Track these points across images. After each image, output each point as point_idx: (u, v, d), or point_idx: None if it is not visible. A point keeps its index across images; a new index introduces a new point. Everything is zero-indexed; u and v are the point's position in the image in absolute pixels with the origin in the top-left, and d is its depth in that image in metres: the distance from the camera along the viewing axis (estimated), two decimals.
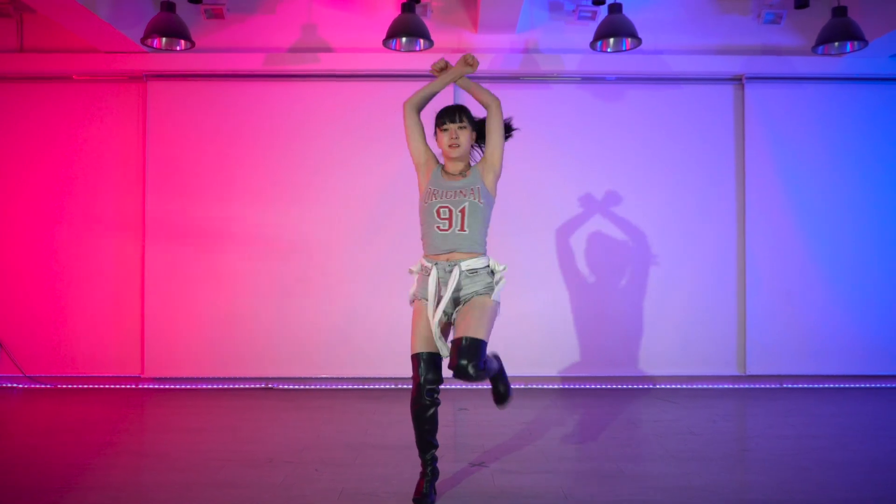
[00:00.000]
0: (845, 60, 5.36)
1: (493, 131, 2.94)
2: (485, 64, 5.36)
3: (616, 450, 3.64)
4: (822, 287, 5.45)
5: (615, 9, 4.77)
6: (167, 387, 5.38)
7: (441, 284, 2.86)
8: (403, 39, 4.87)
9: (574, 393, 5.26)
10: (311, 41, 5.41)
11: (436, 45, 5.04)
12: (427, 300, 2.87)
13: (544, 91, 5.50)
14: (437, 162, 3.01)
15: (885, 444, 3.80)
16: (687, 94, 5.52)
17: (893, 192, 5.51)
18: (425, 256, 2.93)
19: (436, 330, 2.83)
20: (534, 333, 5.33)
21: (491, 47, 5.42)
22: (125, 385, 5.42)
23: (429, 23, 5.13)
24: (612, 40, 4.87)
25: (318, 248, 5.42)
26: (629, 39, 4.82)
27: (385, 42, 4.87)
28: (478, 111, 3.03)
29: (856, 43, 4.79)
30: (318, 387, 5.41)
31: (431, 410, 2.81)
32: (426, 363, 2.80)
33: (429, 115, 3.04)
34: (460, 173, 2.94)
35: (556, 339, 5.41)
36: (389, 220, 5.38)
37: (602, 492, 2.98)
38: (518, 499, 2.90)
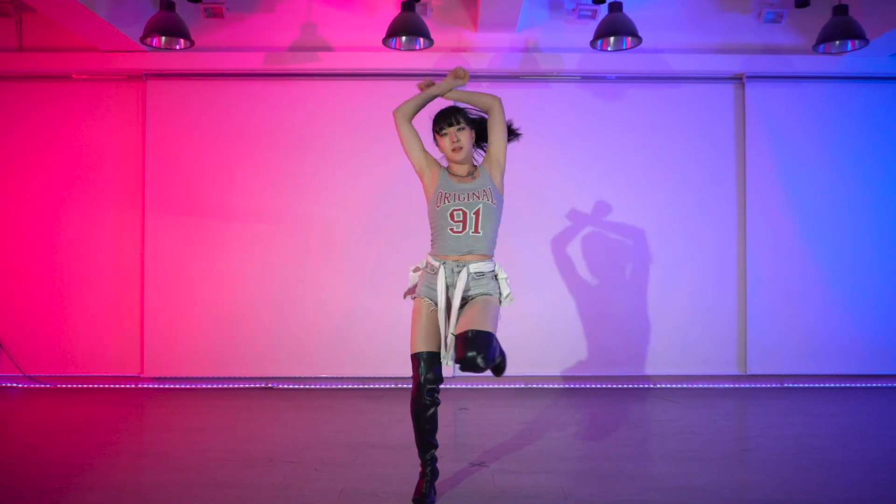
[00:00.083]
0: (846, 59, 5.35)
1: (497, 130, 2.94)
2: (484, 63, 5.36)
3: (616, 449, 3.64)
4: (823, 287, 5.45)
5: (615, 7, 4.76)
6: (167, 386, 5.38)
7: (448, 284, 2.84)
8: (403, 38, 4.86)
9: (574, 393, 5.25)
10: (311, 40, 5.40)
11: (436, 44, 5.03)
12: (430, 299, 2.86)
13: (544, 90, 5.49)
14: (440, 165, 2.99)
15: (885, 443, 3.79)
16: (687, 93, 5.51)
17: (894, 191, 5.50)
18: (433, 255, 2.90)
19: (444, 330, 2.81)
20: (534, 333, 5.33)
21: (491, 46, 5.41)
22: (125, 385, 5.42)
23: (429, 22, 5.12)
24: (612, 39, 4.86)
25: (318, 248, 5.41)
26: (629, 38, 4.81)
27: (385, 41, 4.86)
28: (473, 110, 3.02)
29: (857, 42, 4.78)
30: (317, 386, 5.40)
31: (431, 410, 2.80)
32: (426, 362, 2.79)
33: (423, 120, 3.01)
34: (469, 175, 2.93)
35: (556, 338, 5.40)
36: (389, 220, 5.38)
37: (602, 492, 2.98)
38: (518, 499, 2.90)
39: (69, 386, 5.41)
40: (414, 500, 2.81)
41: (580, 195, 5.47)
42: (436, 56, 5.30)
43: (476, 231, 2.84)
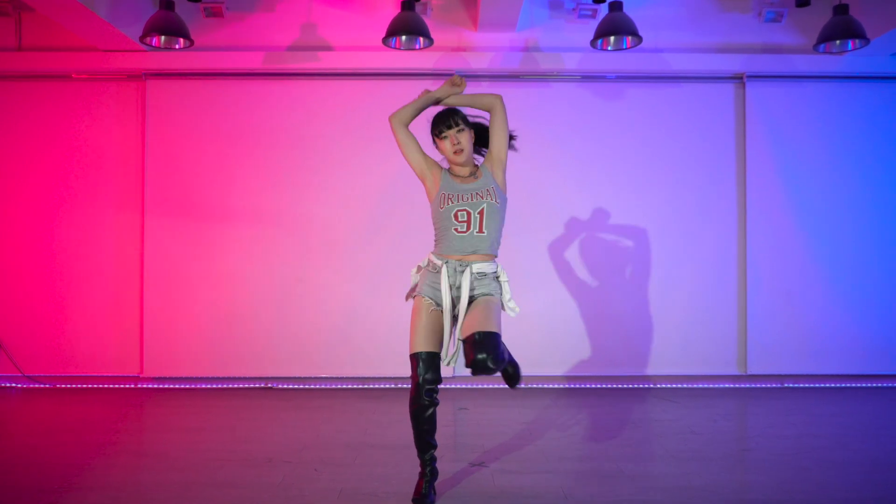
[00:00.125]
0: (846, 59, 5.35)
1: (499, 128, 2.94)
2: (484, 62, 5.36)
3: (616, 449, 3.63)
4: (823, 286, 5.44)
5: (616, 7, 4.76)
6: (166, 386, 5.37)
7: (451, 283, 2.83)
8: (403, 38, 4.86)
9: (574, 392, 5.25)
10: (311, 40, 5.39)
11: (436, 44, 5.03)
12: (431, 298, 2.85)
13: (544, 90, 5.49)
14: (441, 167, 2.98)
15: (885, 443, 3.79)
16: (687, 92, 5.50)
17: (894, 191, 5.50)
18: (436, 254, 2.89)
19: (448, 330, 2.80)
20: (534, 333, 5.32)
21: (491, 45, 5.40)
22: (124, 385, 5.41)
23: (428, 21, 5.12)
24: (612, 38, 4.85)
25: (317, 248, 5.41)
26: (630, 37, 4.80)
27: (385, 40, 4.86)
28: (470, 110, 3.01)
29: (857, 41, 4.77)
30: (317, 386, 5.40)
31: (430, 410, 2.79)
32: (425, 363, 2.78)
33: (420, 124, 3.00)
34: (471, 175, 2.92)
35: (556, 338, 5.40)
36: (389, 220, 5.37)
37: (602, 492, 2.97)
38: (518, 499, 2.89)
39: (68, 386, 5.41)
40: (413, 500, 2.80)
41: (580, 195, 5.47)
42: (436, 55, 5.30)
43: (480, 231, 2.83)
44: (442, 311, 2.85)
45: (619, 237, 5.46)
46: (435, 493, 2.88)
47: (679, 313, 5.43)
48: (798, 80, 5.46)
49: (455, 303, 2.84)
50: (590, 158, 5.49)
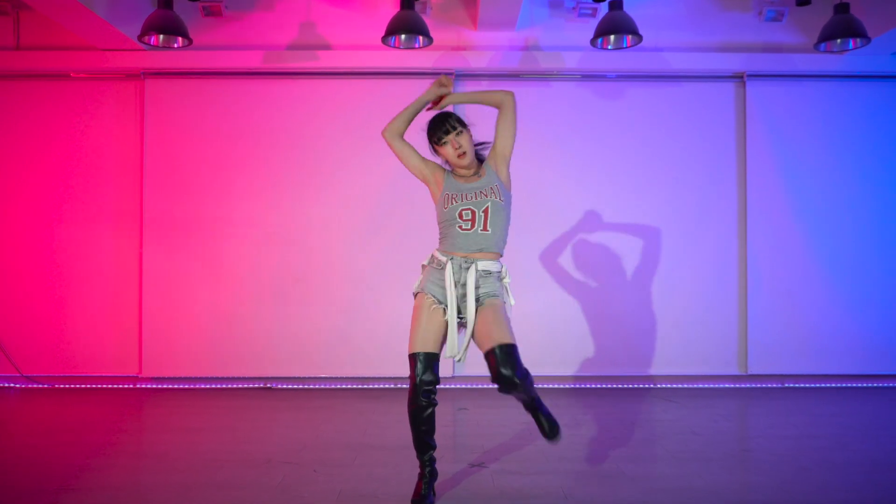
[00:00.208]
0: (847, 58, 5.33)
1: (508, 125, 2.91)
2: (484, 61, 5.34)
3: (617, 450, 3.62)
4: (824, 286, 5.43)
5: (616, 5, 4.74)
6: (165, 387, 5.36)
7: (456, 281, 2.78)
8: (402, 37, 4.84)
9: (575, 392, 5.24)
10: (310, 38, 5.38)
11: (435, 43, 5.01)
12: (434, 296, 2.81)
13: (544, 89, 5.48)
14: (443, 168, 2.96)
15: (885, 444, 3.78)
16: (688, 91, 5.49)
17: (895, 191, 5.49)
18: (441, 251, 2.86)
19: (453, 326, 2.75)
20: (533, 333, 5.31)
21: (490, 44, 5.39)
22: (123, 385, 5.40)
23: (428, 20, 5.10)
24: (612, 37, 4.84)
25: (317, 248, 5.39)
26: (630, 36, 4.79)
27: (384, 39, 4.84)
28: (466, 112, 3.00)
29: (858, 40, 4.76)
30: (317, 387, 5.39)
31: (428, 411, 2.78)
32: (423, 363, 2.76)
33: (415, 130, 2.99)
34: (475, 174, 2.90)
35: (556, 339, 5.39)
36: (389, 220, 5.36)
37: (602, 493, 2.96)
38: (518, 500, 2.88)
39: (67, 386, 5.39)
40: (413, 501, 2.79)
41: (580, 194, 5.45)
42: (435, 54, 5.28)
43: (485, 229, 2.80)
44: (445, 309, 2.81)
45: (620, 237, 5.45)
46: (434, 494, 2.87)
47: (679, 313, 5.42)
48: (798, 79, 5.45)
49: (460, 302, 2.79)
50: (590, 158, 5.47)
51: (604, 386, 5.42)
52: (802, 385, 5.45)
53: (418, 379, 2.75)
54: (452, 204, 2.83)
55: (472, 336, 2.80)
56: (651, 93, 5.49)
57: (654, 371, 5.43)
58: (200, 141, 5.40)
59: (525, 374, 2.67)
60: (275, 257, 5.38)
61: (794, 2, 5.17)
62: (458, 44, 5.37)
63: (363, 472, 3.24)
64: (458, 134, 2.86)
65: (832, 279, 5.44)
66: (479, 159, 2.97)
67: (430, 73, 5.34)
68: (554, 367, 5.39)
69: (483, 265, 2.80)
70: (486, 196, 2.82)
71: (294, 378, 5.38)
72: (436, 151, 2.93)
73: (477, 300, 2.79)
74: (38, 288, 5.41)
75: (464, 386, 5.33)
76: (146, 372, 5.34)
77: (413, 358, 2.79)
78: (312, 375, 5.38)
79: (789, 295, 5.43)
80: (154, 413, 4.69)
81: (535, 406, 2.81)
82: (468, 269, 2.79)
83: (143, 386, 5.38)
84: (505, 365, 2.62)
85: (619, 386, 5.41)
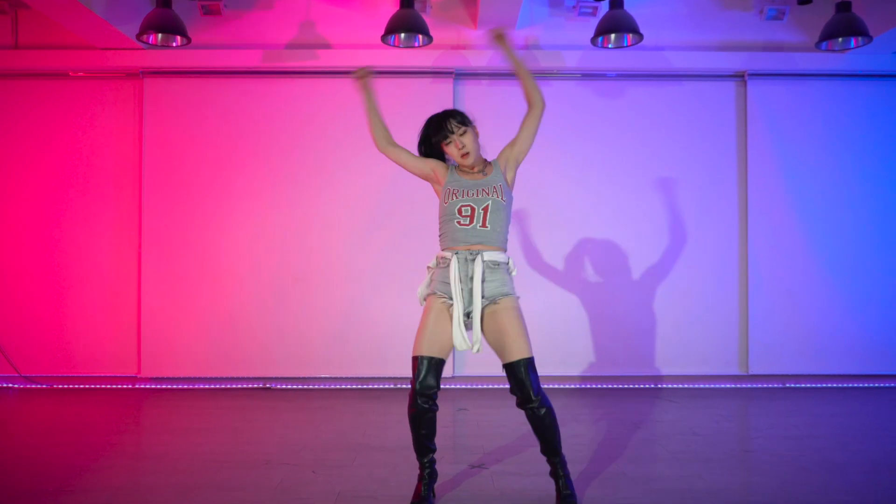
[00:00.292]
0: (848, 57, 5.32)
1: (534, 128, 2.91)
2: (484, 60, 5.32)
3: (618, 451, 3.61)
4: (825, 286, 5.42)
5: (616, 4, 4.73)
6: (164, 387, 5.34)
7: (463, 276, 2.73)
8: (402, 35, 4.83)
9: (575, 393, 5.22)
10: (310, 37, 5.36)
11: (435, 42, 5.00)
12: (443, 294, 2.75)
13: (544, 88, 5.28)
14: (446, 166, 2.93)
15: (886, 444, 3.77)
16: (688, 90, 5.47)
17: None
18: (444, 248, 2.82)
19: (459, 325, 2.71)
20: (533, 334, 5.16)
21: (490, 43, 5.36)
22: (122, 385, 5.39)
23: (428, 19, 5.08)
24: (613, 36, 4.82)
25: (317, 248, 5.38)
26: (630, 35, 4.77)
27: (383, 38, 4.83)
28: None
29: (859, 39, 4.75)
30: (316, 387, 5.37)
31: (428, 416, 2.73)
32: (427, 368, 2.71)
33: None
34: (480, 171, 2.88)
35: (556, 339, 5.37)
36: (389, 219, 5.34)
37: (604, 494, 2.94)
38: (519, 501, 2.87)
39: (66, 386, 5.38)
40: (413, 502, 2.77)
41: (580, 194, 5.44)
42: (435, 53, 5.27)
43: (483, 225, 2.76)
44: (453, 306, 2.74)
45: (620, 236, 5.44)
46: (434, 496, 2.85)
47: (680, 313, 5.40)
48: (800, 78, 5.43)
49: (467, 298, 2.73)
50: (590, 157, 5.46)
51: (604, 386, 5.41)
52: (803, 385, 5.44)
53: (419, 383, 2.70)
54: (453, 199, 2.80)
55: (484, 334, 2.76)
56: (652, 92, 5.47)
57: (654, 371, 5.41)
58: (199, 140, 5.38)
59: (540, 390, 2.70)
60: (274, 257, 5.37)
61: (795, 0, 5.15)
62: (457, 43, 5.35)
63: (362, 473, 3.23)
64: (462, 134, 2.83)
65: (833, 279, 5.42)
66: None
67: (429, 73, 5.33)
68: (554, 367, 5.37)
69: (489, 256, 2.75)
70: (488, 194, 2.79)
71: (293, 378, 5.37)
72: (439, 149, 2.89)
73: (491, 300, 2.74)
74: (37, 287, 5.39)
75: (464, 386, 5.31)
76: (145, 372, 5.33)
77: (417, 361, 2.73)
78: (312, 376, 5.37)
79: (790, 295, 5.41)
80: (153, 413, 4.67)
81: (559, 464, 2.79)
82: (474, 260, 2.74)
83: (142, 386, 5.37)
84: (527, 384, 2.66)
85: (620, 386, 5.40)
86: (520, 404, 2.72)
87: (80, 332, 5.38)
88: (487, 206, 2.78)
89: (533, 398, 2.67)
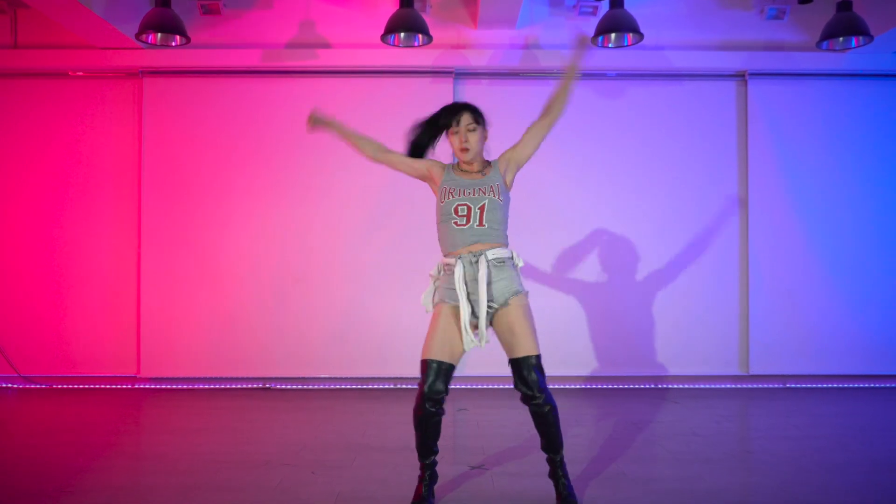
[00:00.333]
0: (849, 57, 5.31)
1: (542, 134, 2.86)
2: (484, 60, 5.32)
3: (618, 451, 3.60)
4: (825, 286, 5.41)
5: (617, 3, 4.72)
6: (164, 387, 5.34)
7: (469, 280, 2.71)
8: (402, 35, 4.81)
9: (575, 393, 5.21)
10: (309, 37, 5.35)
11: (435, 41, 4.98)
12: (452, 302, 2.73)
13: (544, 87, 5.42)
14: (442, 165, 2.91)
15: (886, 445, 3.76)
16: (689, 90, 5.46)
17: None
18: (446, 254, 2.80)
19: (466, 329, 2.69)
20: None
21: (490, 43, 5.36)
22: (121, 385, 5.38)
23: (428, 18, 5.07)
24: (613, 35, 4.81)
25: (317, 247, 5.36)
26: (631, 35, 4.76)
27: (383, 37, 4.81)
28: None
29: (860, 38, 4.74)
30: (316, 387, 5.36)
31: (434, 419, 2.72)
32: (436, 372, 2.68)
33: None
34: (479, 171, 2.85)
35: (555, 339, 5.34)
36: (389, 219, 5.33)
37: (604, 495, 2.94)
38: (519, 502, 2.86)
39: (65, 386, 5.37)
40: (413, 503, 2.77)
41: (580, 194, 5.43)
42: (435, 53, 5.26)
43: (480, 224, 2.73)
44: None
45: (620, 236, 5.42)
46: (434, 498, 2.84)
47: (680, 313, 5.39)
48: (800, 77, 5.42)
49: (473, 299, 2.71)
50: (590, 157, 5.44)
51: (604, 386, 5.40)
52: (803, 385, 5.43)
53: (427, 388, 2.67)
54: (449, 198, 2.77)
55: (493, 330, 2.76)
56: (652, 91, 5.46)
57: (654, 371, 5.40)
58: (199, 140, 5.37)
59: (545, 386, 2.70)
60: (274, 257, 5.35)
61: (795, 0, 5.14)
62: (457, 42, 5.34)
63: (362, 474, 3.22)
64: (469, 130, 2.81)
65: (834, 279, 5.41)
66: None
67: (429, 72, 5.32)
68: (554, 367, 5.26)
69: (493, 254, 2.72)
70: (485, 194, 2.76)
71: (293, 378, 5.36)
72: (436, 133, 2.87)
73: (503, 303, 2.72)
74: (36, 287, 5.38)
75: (464, 386, 5.30)
76: (145, 372, 5.32)
77: (425, 364, 2.70)
78: (312, 376, 5.36)
79: (790, 295, 5.40)
80: (152, 413, 4.66)
81: (559, 465, 2.79)
82: (477, 261, 2.71)
83: (142, 386, 5.36)
84: (532, 380, 2.66)
85: (620, 386, 5.39)
86: (524, 400, 2.71)
87: (79, 332, 5.37)
88: (484, 205, 2.74)
89: (538, 394, 2.67)
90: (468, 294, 2.71)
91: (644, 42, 4.99)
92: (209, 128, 5.37)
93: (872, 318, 5.42)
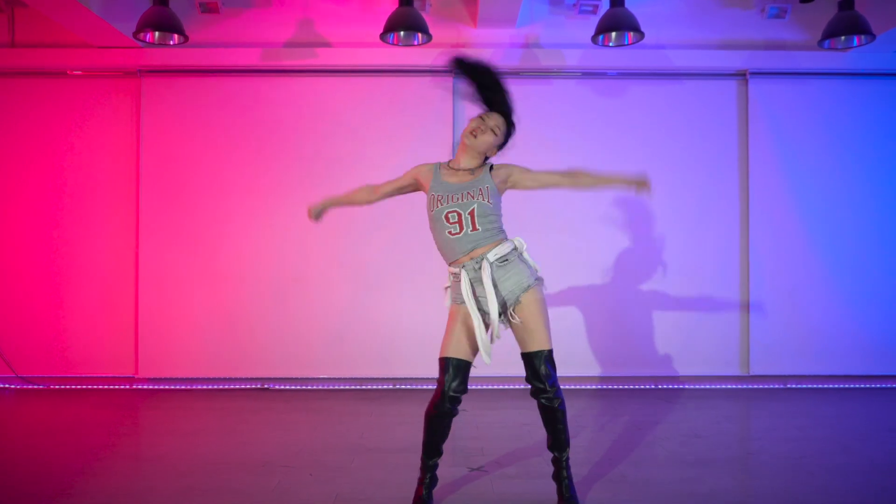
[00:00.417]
0: (850, 56, 5.28)
1: (543, 185, 2.86)
2: (484, 59, 5.27)
3: (618, 453, 3.58)
4: (826, 286, 5.39)
5: (617, 2, 4.69)
6: (161, 387, 5.31)
7: (475, 285, 2.70)
8: (401, 33, 4.78)
9: (575, 393, 5.19)
10: (308, 36, 5.32)
11: (434, 40, 4.95)
12: (464, 303, 2.71)
13: (544, 86, 5.42)
14: (430, 167, 2.88)
15: (888, 446, 3.74)
16: (689, 89, 5.43)
17: None
18: (449, 264, 2.79)
19: (480, 333, 2.67)
20: None
21: (490, 42, 5.33)
22: (119, 385, 5.35)
23: (427, 17, 5.05)
24: (613, 34, 4.78)
25: (316, 247, 5.34)
26: (631, 33, 4.73)
27: (382, 36, 4.79)
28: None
29: (862, 37, 4.71)
30: (315, 387, 5.34)
31: (448, 419, 2.72)
32: (455, 370, 2.67)
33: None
34: (469, 170, 2.81)
35: (555, 339, 5.25)
36: (388, 219, 5.30)
37: (604, 498, 2.92)
38: None
39: (63, 387, 5.35)
40: None
41: (580, 193, 5.38)
42: (434, 52, 5.23)
43: (474, 229, 2.71)
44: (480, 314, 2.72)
45: (620, 236, 5.40)
46: (433, 500, 2.82)
47: (681, 313, 5.37)
48: (802, 76, 5.39)
49: (483, 305, 2.71)
50: (590, 157, 5.40)
51: (604, 387, 5.38)
52: (804, 386, 5.41)
53: (447, 386, 2.67)
54: (438, 207, 2.74)
55: (513, 329, 2.77)
56: (652, 90, 5.43)
57: (654, 371, 5.38)
58: (197, 139, 5.35)
59: (558, 387, 2.73)
60: (273, 256, 5.33)
61: None
62: (457, 41, 5.31)
63: (361, 476, 3.20)
64: (494, 127, 2.79)
65: (835, 279, 5.39)
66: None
67: (429, 71, 5.30)
68: None
69: (494, 254, 2.70)
70: (473, 197, 2.72)
71: (292, 379, 5.34)
72: (476, 95, 2.87)
73: (515, 301, 2.71)
74: (34, 287, 5.35)
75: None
76: (142, 373, 5.30)
77: (444, 362, 2.70)
78: (310, 376, 5.33)
79: (791, 295, 5.38)
80: (150, 414, 4.64)
81: (564, 465, 2.78)
82: (480, 267, 2.69)
83: (140, 387, 5.33)
84: (543, 373, 2.70)
85: (620, 387, 5.37)
86: (534, 393, 2.73)
87: (77, 332, 5.35)
88: (473, 209, 2.71)
89: (548, 388, 2.69)
90: (478, 304, 2.71)
91: (644, 41, 4.97)
92: (208, 127, 5.35)
93: (873, 319, 5.40)
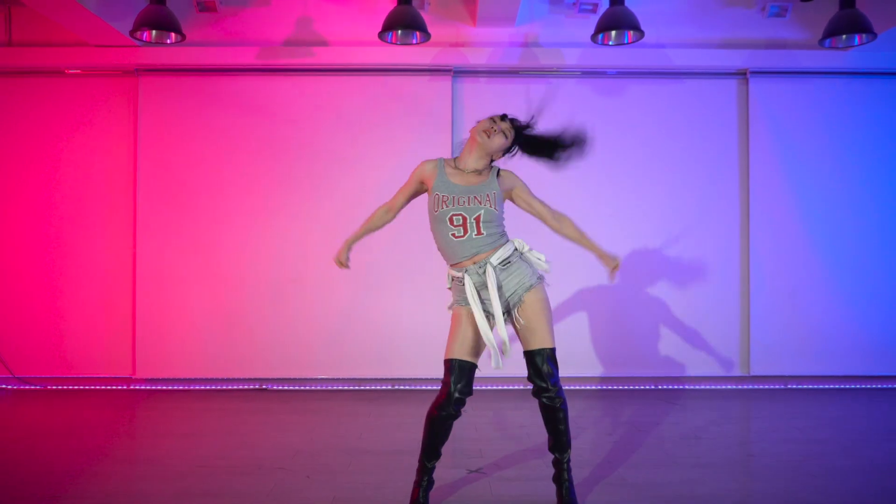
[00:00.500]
0: (851, 55, 5.26)
1: (532, 213, 2.98)
2: (483, 58, 5.26)
3: (618, 455, 3.55)
4: (827, 287, 5.36)
5: (617, 1, 4.66)
6: (159, 388, 5.29)
7: (480, 289, 2.69)
8: (399, 32, 4.75)
9: (575, 394, 5.16)
10: (306, 35, 5.29)
11: (433, 39, 4.93)
12: (468, 305, 2.69)
13: (544, 85, 5.39)
14: (434, 163, 2.84)
15: (888, 447, 3.72)
16: (690, 88, 5.41)
17: None
18: (451, 266, 2.77)
19: (488, 337, 2.66)
20: None
21: (489, 41, 5.31)
22: (116, 386, 5.33)
23: (426, 16, 5.03)
24: (613, 33, 4.76)
25: (314, 247, 5.31)
26: (631, 32, 4.71)
27: (381, 35, 4.76)
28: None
29: (863, 36, 4.68)
30: (313, 388, 5.32)
31: (450, 421, 2.70)
32: (460, 371, 2.65)
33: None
34: (476, 173, 2.79)
35: (556, 339, 5.30)
36: None
37: (603, 500, 2.89)
38: None
39: (60, 387, 5.32)
40: None
41: (580, 193, 5.37)
42: (433, 51, 5.20)
43: (479, 234, 2.69)
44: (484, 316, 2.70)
45: (619, 236, 5.37)
46: (429, 503, 2.79)
47: (681, 314, 5.35)
48: (802, 76, 5.37)
49: (488, 308, 2.70)
50: (590, 156, 5.37)
51: (604, 387, 5.35)
52: (804, 386, 5.39)
53: (452, 387, 2.64)
54: (442, 208, 2.71)
55: (516, 330, 2.76)
56: (652, 90, 5.41)
57: (655, 372, 5.36)
58: (195, 138, 5.32)
59: (560, 386, 2.72)
60: (270, 256, 5.30)
61: None
62: (456, 40, 5.28)
63: (357, 478, 3.17)
64: (504, 133, 2.78)
65: (835, 279, 5.37)
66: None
67: (427, 70, 5.27)
68: None
69: (497, 258, 2.69)
70: (480, 203, 2.70)
71: (289, 379, 5.31)
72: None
73: (518, 301, 2.70)
74: (31, 287, 5.33)
75: None
76: (140, 373, 5.27)
77: (449, 364, 2.67)
78: (308, 377, 5.31)
79: (792, 295, 5.36)
80: (147, 416, 4.61)
81: (565, 467, 2.76)
82: (484, 271, 2.68)
83: (137, 387, 5.31)
84: (546, 372, 2.68)
85: (621, 387, 5.34)
86: (535, 392, 2.71)
87: (74, 332, 5.32)
88: (479, 215, 2.69)
89: (550, 387, 2.68)
90: (483, 307, 2.70)
91: (645, 40, 4.94)
92: (205, 126, 5.32)
93: (873, 319, 5.37)
